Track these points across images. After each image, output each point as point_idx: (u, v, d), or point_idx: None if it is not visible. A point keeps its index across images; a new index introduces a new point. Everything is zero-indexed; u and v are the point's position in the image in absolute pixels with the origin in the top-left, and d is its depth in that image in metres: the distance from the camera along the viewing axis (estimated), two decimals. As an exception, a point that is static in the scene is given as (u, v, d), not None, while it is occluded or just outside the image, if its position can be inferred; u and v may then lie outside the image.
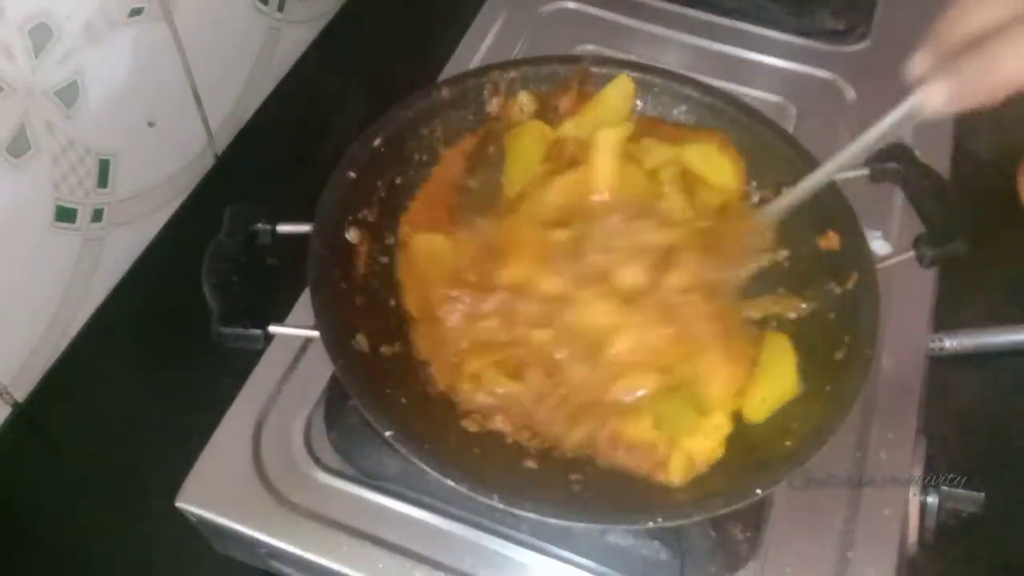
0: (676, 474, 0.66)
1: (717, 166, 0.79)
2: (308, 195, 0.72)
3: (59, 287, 0.86)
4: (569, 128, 0.81)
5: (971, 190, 0.84)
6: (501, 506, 0.60)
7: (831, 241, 0.74)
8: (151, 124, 0.89)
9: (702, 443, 0.67)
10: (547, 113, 0.82)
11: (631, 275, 0.72)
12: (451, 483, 0.60)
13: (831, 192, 0.75)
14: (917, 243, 0.73)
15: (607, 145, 0.77)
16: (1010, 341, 0.91)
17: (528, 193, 0.78)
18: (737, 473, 0.65)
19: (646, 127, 0.82)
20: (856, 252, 0.73)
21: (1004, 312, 0.93)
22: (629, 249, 0.73)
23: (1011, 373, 0.92)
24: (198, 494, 0.72)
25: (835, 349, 0.69)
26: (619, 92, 0.82)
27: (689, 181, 0.79)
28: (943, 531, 0.74)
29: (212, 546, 0.77)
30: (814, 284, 0.74)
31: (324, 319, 0.67)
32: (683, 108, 0.83)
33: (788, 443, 0.65)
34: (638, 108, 0.83)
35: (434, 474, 0.61)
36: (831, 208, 0.75)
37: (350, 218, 0.74)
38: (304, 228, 0.71)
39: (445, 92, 0.80)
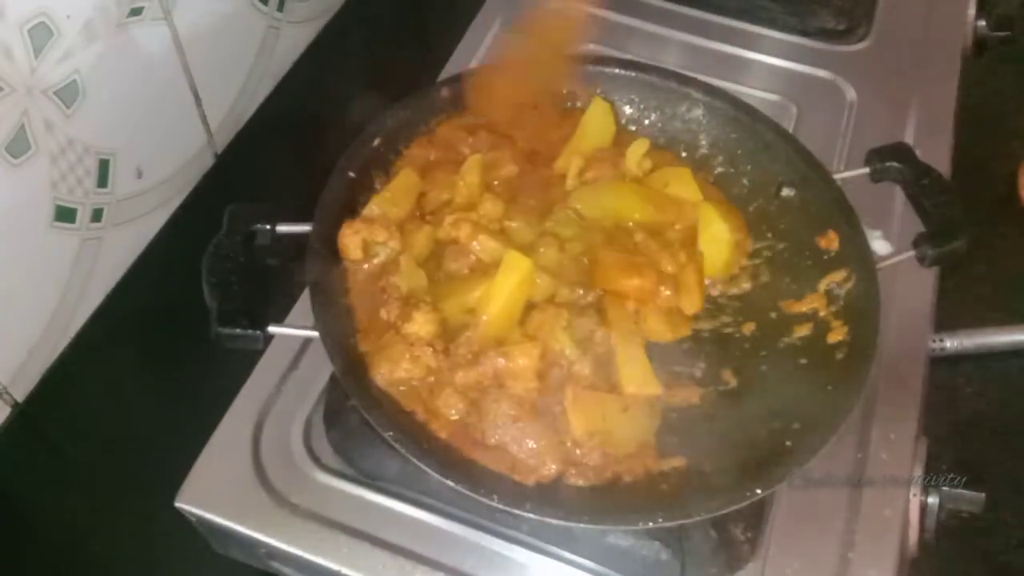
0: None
1: (717, 246, 0.77)
2: (308, 195, 0.72)
3: (58, 287, 0.86)
4: (564, 164, 0.80)
5: (971, 190, 0.83)
6: (501, 506, 0.60)
7: (831, 241, 0.74)
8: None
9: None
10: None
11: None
12: (451, 484, 0.60)
13: (831, 191, 0.75)
14: (917, 243, 0.73)
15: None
16: (1010, 341, 0.92)
17: None
18: (737, 473, 0.65)
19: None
20: (856, 252, 0.73)
21: (1004, 312, 0.93)
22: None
23: (1011, 373, 0.92)
24: (198, 494, 0.72)
25: (836, 349, 0.69)
26: (598, 115, 0.82)
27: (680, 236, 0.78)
28: (943, 531, 0.74)
29: (212, 546, 0.77)
30: (814, 284, 0.74)
31: (323, 319, 0.67)
32: (683, 107, 0.83)
33: (788, 443, 0.65)
34: (636, 109, 0.84)
35: (434, 475, 0.61)
36: (831, 207, 0.75)
37: (350, 218, 0.73)
38: (303, 228, 0.71)
39: (444, 92, 0.80)
